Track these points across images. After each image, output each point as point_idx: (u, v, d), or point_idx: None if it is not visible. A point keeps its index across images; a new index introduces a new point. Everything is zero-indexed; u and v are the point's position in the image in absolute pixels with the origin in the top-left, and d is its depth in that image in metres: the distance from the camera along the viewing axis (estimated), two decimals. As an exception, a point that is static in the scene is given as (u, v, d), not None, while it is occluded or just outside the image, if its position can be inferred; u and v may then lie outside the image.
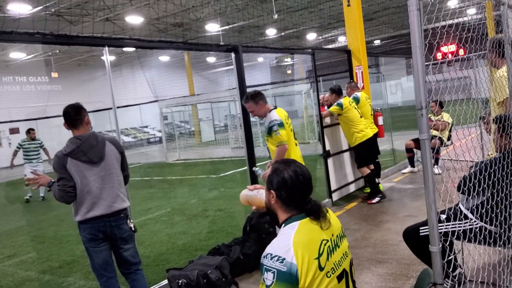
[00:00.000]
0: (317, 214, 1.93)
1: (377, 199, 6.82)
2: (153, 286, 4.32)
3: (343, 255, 1.99)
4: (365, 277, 4.18)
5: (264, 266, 1.81)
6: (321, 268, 1.84)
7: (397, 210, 6.37)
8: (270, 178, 2.01)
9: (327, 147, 7.05)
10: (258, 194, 2.18)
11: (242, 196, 2.30)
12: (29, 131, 10.66)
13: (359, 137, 6.78)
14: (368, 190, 7.26)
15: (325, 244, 1.90)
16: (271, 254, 1.82)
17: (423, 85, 1.76)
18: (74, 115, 3.39)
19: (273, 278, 1.78)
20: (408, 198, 6.99)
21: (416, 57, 1.77)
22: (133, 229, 3.61)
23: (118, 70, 27.92)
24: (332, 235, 1.97)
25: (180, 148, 19.80)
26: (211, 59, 32.88)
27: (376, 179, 7.06)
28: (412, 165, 8.86)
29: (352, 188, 7.64)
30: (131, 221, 3.63)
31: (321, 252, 1.86)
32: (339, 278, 1.92)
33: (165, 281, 4.28)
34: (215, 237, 6.04)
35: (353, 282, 2.05)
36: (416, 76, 1.78)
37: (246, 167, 5.75)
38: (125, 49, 24.64)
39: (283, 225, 1.95)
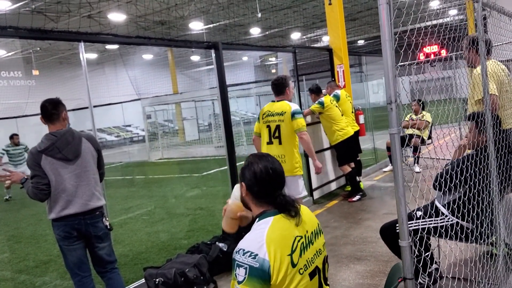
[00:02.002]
0: (288, 210, 1.90)
1: (357, 197, 6.85)
2: (130, 285, 4.27)
3: (317, 252, 1.96)
4: (343, 274, 4.19)
5: (236, 262, 1.79)
6: (293, 265, 1.82)
7: (377, 208, 6.41)
8: (242, 171, 1.99)
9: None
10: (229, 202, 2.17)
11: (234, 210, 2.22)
12: (13, 137, 10.71)
13: (340, 135, 6.80)
14: (349, 188, 7.29)
15: (298, 241, 1.87)
16: (244, 250, 1.79)
17: (393, 79, 1.75)
18: (51, 109, 3.31)
19: (245, 274, 1.75)
20: (388, 196, 7.03)
21: (385, 52, 1.77)
22: (108, 227, 3.55)
23: (100, 68, 27.61)
24: (307, 231, 1.95)
25: (164, 147, 19.67)
26: (195, 57, 32.72)
27: (357, 177, 7.09)
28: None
29: (333, 186, 7.66)
30: (107, 219, 3.57)
31: (294, 248, 1.84)
32: (311, 276, 1.90)
33: (142, 280, 4.22)
34: (196, 235, 6.00)
35: (325, 279, 2.03)
36: (386, 71, 1.77)
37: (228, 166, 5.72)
38: (108, 46, 24.41)
39: (257, 219, 1.93)
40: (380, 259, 4.42)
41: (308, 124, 7.18)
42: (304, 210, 2.02)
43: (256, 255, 1.76)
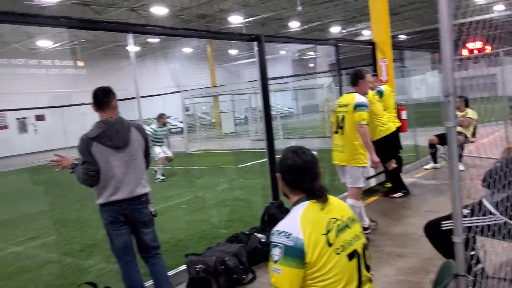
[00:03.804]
0: (319, 196, 2.00)
1: (400, 194, 6.73)
2: (172, 271, 4.36)
3: (355, 236, 2.03)
4: (384, 270, 4.15)
5: (272, 243, 1.89)
6: (329, 244, 1.88)
7: (418, 205, 6.28)
8: (277, 162, 2.14)
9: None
10: None
11: None
12: (162, 117, 10.94)
13: (382, 131, 6.68)
14: (389, 184, 7.17)
15: (334, 222, 1.96)
16: (279, 231, 1.90)
17: (451, 71, 1.72)
18: (102, 97, 3.42)
19: (281, 253, 1.83)
20: (430, 193, 6.88)
21: (445, 43, 1.73)
22: (153, 213, 3.65)
23: (141, 61, 28.16)
24: (342, 216, 2.03)
25: (201, 139, 19.92)
26: (233, 51, 32.89)
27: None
28: (435, 161, 8.71)
29: (372, 182, 7.55)
30: (152, 205, 3.67)
31: (329, 228, 1.92)
32: (350, 257, 1.95)
33: (184, 266, 4.32)
34: (234, 226, 6.06)
35: (367, 267, 2.04)
36: (444, 63, 1.73)
37: (265, 159, 5.74)
38: (149, 39, 24.87)
39: (293, 207, 2.04)
40: (422, 256, 4.34)
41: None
42: (336, 199, 2.12)
43: (290, 234, 1.85)
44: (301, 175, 2.02)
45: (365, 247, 2.07)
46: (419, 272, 4.03)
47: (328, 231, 1.90)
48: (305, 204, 1.98)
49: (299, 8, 17.62)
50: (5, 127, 23.41)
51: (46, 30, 21.75)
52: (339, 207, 2.08)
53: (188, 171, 12.14)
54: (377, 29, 7.98)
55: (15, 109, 22.12)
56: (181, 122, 22.82)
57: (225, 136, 22.41)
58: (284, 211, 5.06)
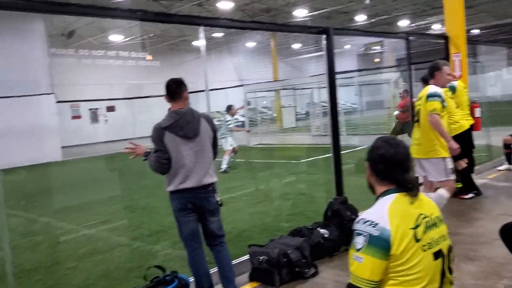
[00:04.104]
0: (410, 189, 1.95)
1: (471, 195, 6.41)
2: (234, 260, 4.42)
3: (442, 236, 1.96)
4: (453, 273, 3.97)
5: (356, 231, 1.86)
6: (416, 240, 1.83)
7: (490, 208, 5.95)
8: (368, 151, 2.09)
9: (417, 137, 6.72)
10: None
11: None
12: (231, 108, 11.44)
13: (454, 129, 6.37)
14: (459, 185, 6.84)
15: (423, 218, 1.90)
16: (364, 219, 1.87)
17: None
18: (175, 88, 3.54)
19: (364, 242, 1.81)
20: (504, 196, 6.50)
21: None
22: (219, 202, 3.73)
23: (206, 55, 28.70)
24: (432, 213, 1.97)
25: (262, 133, 20.06)
26: (296, 45, 32.72)
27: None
28: (510, 162, 8.21)
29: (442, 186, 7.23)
30: (218, 195, 3.75)
31: (418, 223, 1.86)
32: (435, 256, 1.89)
33: (247, 256, 4.37)
34: (296, 219, 6.06)
35: (450, 269, 1.97)
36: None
37: (328, 154, 5.68)
38: (214, 34, 25.35)
39: (379, 197, 1.99)
40: (495, 260, 4.12)
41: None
42: (424, 196, 2.05)
43: (377, 224, 1.81)
44: (392, 166, 1.98)
45: (450, 249, 2.01)
46: (492, 277, 3.82)
47: (417, 226, 1.86)
48: (394, 196, 1.94)
49: (367, 1, 17.18)
50: (79, 117, 24.82)
51: (118, 25, 22.79)
52: (429, 204, 2.02)
53: (249, 164, 12.27)
54: (451, 23, 7.62)
55: (88, 100, 23.44)
56: (243, 116, 23.13)
57: (286, 130, 22.41)
58: (349, 207, 4.99)
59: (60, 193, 10.29)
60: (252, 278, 4.20)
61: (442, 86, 5.02)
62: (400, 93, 11.47)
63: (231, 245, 5.05)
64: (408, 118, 10.74)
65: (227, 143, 10.98)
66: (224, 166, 10.63)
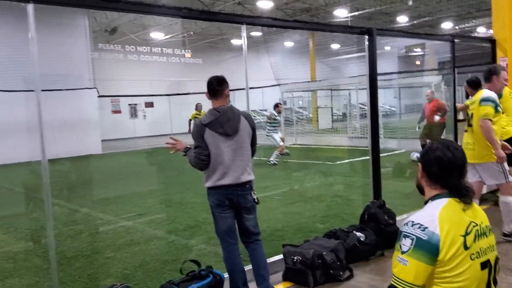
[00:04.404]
0: (463, 195, 1.89)
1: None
2: (268, 259, 4.44)
3: (490, 246, 1.91)
4: (494, 284, 3.84)
5: (403, 233, 1.82)
6: (466, 247, 1.79)
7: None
8: (422, 153, 2.04)
9: (459, 143, 6.54)
10: None
11: None
12: (278, 105, 12.36)
13: (499, 135, 6.17)
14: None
15: (473, 226, 1.85)
16: (413, 222, 1.82)
17: None
18: (216, 86, 3.59)
19: (411, 245, 1.77)
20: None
21: None
22: (256, 200, 3.74)
23: (243, 53, 28.84)
24: (482, 222, 1.91)
25: (298, 133, 19.98)
26: (335, 45, 32.40)
27: None
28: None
29: (483, 190, 7.00)
30: (255, 193, 3.76)
31: (468, 231, 1.82)
32: (483, 266, 1.84)
33: (280, 256, 4.37)
34: (330, 221, 6.01)
35: (495, 280, 1.91)
36: None
37: (366, 157, 5.61)
38: (252, 33, 25.43)
39: (429, 201, 1.95)
40: (540, 274, 3.95)
41: (460, 121, 6.66)
42: (475, 204, 1.98)
43: (426, 227, 1.77)
44: (448, 171, 1.92)
45: (497, 260, 1.96)
46: (536, 291, 3.67)
47: (467, 234, 1.81)
48: (445, 201, 1.89)
49: (410, 2, 16.82)
50: (119, 111, 25.44)
51: (159, 22, 23.23)
52: (480, 212, 1.97)
53: (284, 164, 12.25)
54: (498, 26, 7.36)
55: (128, 95, 23.98)
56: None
57: (321, 131, 22.23)
58: (386, 212, 4.91)
59: (100, 185, 10.60)
60: (285, 278, 4.20)
61: (497, 91, 4.97)
62: (427, 94, 11.10)
63: (264, 243, 5.05)
64: (433, 121, 10.45)
65: (276, 140, 11.99)
66: (272, 159, 11.85)
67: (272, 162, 11.85)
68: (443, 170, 1.92)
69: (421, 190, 2.04)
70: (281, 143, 11.97)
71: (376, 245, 4.60)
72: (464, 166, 1.95)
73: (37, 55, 3.36)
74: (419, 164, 2.02)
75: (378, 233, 4.70)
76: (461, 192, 1.89)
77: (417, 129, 12.32)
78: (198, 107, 15.92)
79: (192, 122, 15.77)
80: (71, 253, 5.26)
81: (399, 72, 21.97)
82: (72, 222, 6.88)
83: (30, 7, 3.23)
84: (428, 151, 2.00)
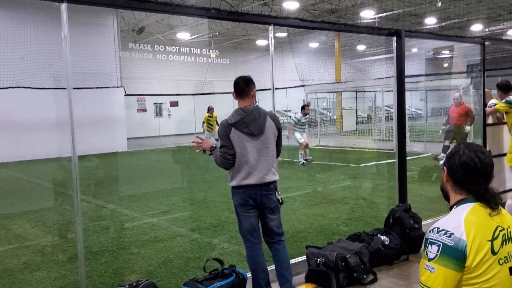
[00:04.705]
0: (488, 200, 1.85)
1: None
2: (291, 260, 4.43)
3: None
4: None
5: (429, 240, 1.79)
6: (493, 252, 1.75)
7: None
8: (447, 156, 1.99)
9: (488, 148, 6.40)
10: None
11: None
12: (304, 107, 12.55)
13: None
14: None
15: (500, 231, 1.81)
16: (438, 228, 1.79)
17: None
18: (243, 86, 3.61)
19: (437, 252, 1.74)
20: None
21: None
22: (280, 201, 3.74)
23: (268, 54, 28.89)
24: (509, 226, 1.87)
25: (321, 134, 19.88)
26: (361, 47, 32.10)
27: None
28: None
29: (509, 196, 6.84)
30: (279, 193, 3.76)
31: (495, 236, 1.78)
32: (511, 271, 1.79)
33: (303, 257, 4.37)
34: (354, 224, 5.97)
35: None
36: None
37: (391, 160, 5.55)
38: (277, 34, 25.42)
39: (454, 206, 1.91)
40: None
41: (490, 125, 6.52)
42: (502, 209, 1.93)
43: (452, 233, 1.74)
44: (475, 176, 1.87)
45: None
46: None
47: (494, 238, 1.77)
48: (471, 206, 1.85)
49: (439, 4, 16.52)
50: (144, 110, 25.82)
51: (185, 23, 23.46)
52: (507, 217, 1.92)
53: (307, 165, 12.20)
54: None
55: (153, 95, 24.31)
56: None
57: (345, 133, 22.07)
58: (412, 216, 4.85)
59: (126, 182, 10.77)
60: (308, 280, 4.19)
61: None
62: (455, 98, 10.75)
63: (286, 244, 5.05)
64: (461, 124, 10.22)
65: (296, 137, 12.20)
66: (301, 159, 12.16)
67: (301, 162, 12.06)
68: (470, 176, 1.87)
69: (445, 195, 2.00)
70: (302, 140, 12.10)
71: (400, 249, 4.55)
72: (491, 172, 1.90)
73: (69, 54, 3.45)
74: (444, 168, 1.97)
75: (403, 237, 4.64)
76: (487, 199, 1.85)
77: (440, 132, 12.13)
78: (210, 110, 15.90)
79: (205, 124, 15.88)
80: (97, 248, 5.37)
81: (426, 75, 21.60)
82: (98, 217, 7.02)
83: (64, 6, 3.31)
84: (454, 155, 1.93)
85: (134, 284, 3.36)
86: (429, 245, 1.78)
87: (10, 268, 4.82)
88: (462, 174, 1.89)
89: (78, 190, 3.54)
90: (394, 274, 4.30)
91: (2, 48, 14.70)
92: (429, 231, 1.81)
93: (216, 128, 16.24)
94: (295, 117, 12.50)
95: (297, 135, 12.25)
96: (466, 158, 1.88)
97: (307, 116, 12.59)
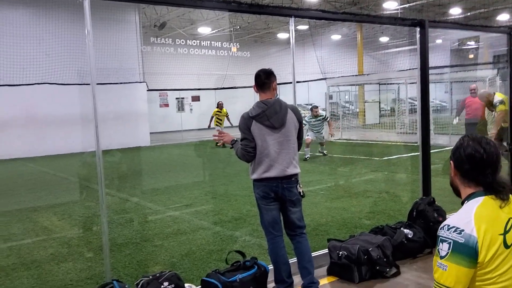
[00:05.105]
0: (498, 192, 1.81)
1: None
2: (313, 253, 4.42)
3: None
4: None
5: (440, 237, 1.78)
6: (506, 246, 1.72)
7: None
8: (453, 150, 1.96)
9: (515, 140, 6.24)
10: None
11: None
12: (312, 109, 12.16)
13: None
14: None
15: None
16: (449, 225, 1.77)
17: None
18: (264, 79, 3.61)
19: (448, 249, 1.73)
20: None
21: None
22: (301, 194, 3.74)
23: (289, 47, 28.75)
24: None
25: (343, 128, 19.72)
26: (384, 38, 31.64)
27: None
28: None
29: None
30: (301, 186, 3.75)
31: (507, 229, 1.74)
32: None
33: (325, 250, 4.35)
34: (376, 218, 5.92)
35: None
36: None
37: (414, 153, 5.46)
38: (299, 27, 25.27)
39: (465, 201, 1.88)
40: None
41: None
42: None
43: (462, 230, 1.72)
44: (481, 168, 1.85)
45: None
46: None
47: (506, 232, 1.73)
48: (481, 199, 1.82)
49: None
50: (166, 105, 26.04)
51: (206, 17, 23.52)
52: None
53: (329, 159, 12.14)
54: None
55: (175, 89, 24.50)
56: (324, 110, 22.92)
57: (368, 126, 21.84)
58: (436, 209, 4.78)
59: (149, 175, 10.92)
60: (330, 273, 4.18)
61: None
62: (472, 89, 10.29)
63: (308, 237, 5.05)
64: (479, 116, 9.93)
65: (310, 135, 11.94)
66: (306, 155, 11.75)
67: (306, 157, 11.77)
68: (476, 168, 1.85)
69: (456, 190, 1.97)
70: (306, 137, 11.62)
71: (424, 243, 4.49)
72: (498, 161, 1.86)
73: (93, 50, 3.50)
74: (451, 162, 1.94)
75: (427, 231, 4.58)
76: (496, 189, 1.82)
77: (454, 122, 11.82)
78: (219, 105, 16.23)
79: (214, 118, 16.29)
80: (121, 240, 5.47)
81: (451, 66, 21.16)
82: (122, 210, 7.14)
83: (87, 2, 3.36)
84: (459, 148, 1.91)
85: (157, 275, 3.41)
86: (440, 243, 1.76)
87: (38, 260, 4.96)
88: (468, 166, 1.86)
89: (103, 184, 3.60)
90: (418, 267, 4.25)
91: (28, 45, 15.01)
92: (440, 229, 1.79)
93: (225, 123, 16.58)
94: (305, 120, 11.87)
95: (309, 133, 12.04)
96: (471, 150, 1.86)
97: (318, 117, 12.06)
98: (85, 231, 6.23)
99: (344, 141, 17.29)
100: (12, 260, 4.97)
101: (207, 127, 16.83)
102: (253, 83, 3.69)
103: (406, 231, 4.55)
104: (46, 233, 6.11)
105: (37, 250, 5.30)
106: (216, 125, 16.06)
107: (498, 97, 7.35)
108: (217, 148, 15.45)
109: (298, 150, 3.82)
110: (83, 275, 4.44)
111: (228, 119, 16.40)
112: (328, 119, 12.53)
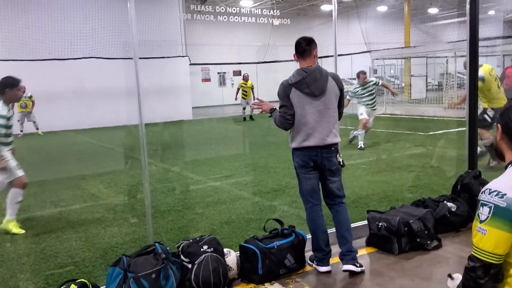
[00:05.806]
0: None
1: None
2: (352, 224, 4.39)
3: None
4: None
5: (481, 201, 1.72)
6: None
7: None
8: (500, 113, 1.87)
9: None
10: None
11: None
12: (359, 76, 9.49)
13: None
14: None
15: None
16: (490, 189, 1.72)
17: None
18: (304, 46, 3.54)
19: (489, 213, 1.68)
20: None
21: None
22: (341, 163, 3.69)
23: (332, 20, 28.01)
24: None
25: (388, 102, 19.22)
26: (433, 10, 30.27)
27: None
28: None
29: None
30: (340, 156, 3.71)
31: None
32: None
33: (364, 222, 4.31)
34: (419, 191, 5.79)
35: None
36: None
37: (461, 128, 5.25)
38: (344, -1, 24.55)
39: (509, 165, 1.80)
40: None
41: None
42: None
43: (505, 194, 1.66)
44: None
45: None
46: None
47: None
48: None
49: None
50: (208, 79, 26.22)
51: (249, -10, 23.23)
52: None
53: (372, 133, 11.89)
54: None
55: (217, 63, 24.57)
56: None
57: (414, 101, 21.17)
58: (482, 183, 4.61)
59: (191, 148, 11.14)
60: (369, 243, 4.16)
61: None
62: None
63: (348, 209, 5.05)
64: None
65: (358, 112, 9.66)
66: (360, 143, 9.42)
67: (360, 146, 9.32)
68: None
69: (500, 154, 1.89)
70: (362, 116, 9.41)
71: (468, 217, 4.36)
72: None
73: (135, 24, 3.52)
74: (498, 125, 1.84)
75: (471, 205, 4.43)
76: None
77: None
78: (244, 77, 16.36)
79: (240, 90, 16.55)
80: (164, 208, 5.63)
81: (504, 37, 20.00)
82: (165, 180, 7.34)
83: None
84: (508, 110, 1.82)
85: (197, 238, 3.50)
86: (481, 207, 1.71)
87: (86, 224, 5.20)
88: None
89: (146, 154, 3.70)
90: (460, 241, 4.15)
91: (76, 19, 15.41)
92: (481, 193, 1.73)
93: (251, 95, 16.61)
94: (350, 91, 9.68)
95: (360, 109, 9.55)
96: None
97: (368, 86, 9.39)
98: (129, 198, 6.47)
99: (388, 115, 16.88)
100: (62, 223, 5.24)
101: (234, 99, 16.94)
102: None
103: (449, 204, 4.43)
104: (93, 199, 6.38)
105: (84, 215, 5.56)
106: (243, 97, 16.35)
107: None
108: (257, 123, 15.50)
109: (339, 119, 3.76)
110: (127, 239, 4.62)
111: (253, 92, 16.46)
112: (380, 83, 9.92)
